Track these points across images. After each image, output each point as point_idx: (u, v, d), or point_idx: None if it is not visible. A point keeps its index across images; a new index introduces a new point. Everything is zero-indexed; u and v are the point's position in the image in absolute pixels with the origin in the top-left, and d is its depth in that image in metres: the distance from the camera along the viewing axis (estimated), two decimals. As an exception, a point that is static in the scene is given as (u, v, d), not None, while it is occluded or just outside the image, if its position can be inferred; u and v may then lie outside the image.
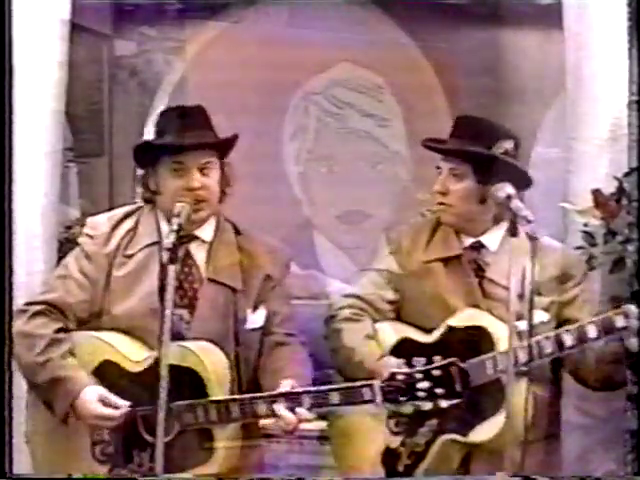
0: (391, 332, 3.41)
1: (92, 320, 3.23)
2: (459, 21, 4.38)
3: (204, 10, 4.47)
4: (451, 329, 3.33)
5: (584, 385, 3.44)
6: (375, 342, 3.38)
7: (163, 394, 2.89)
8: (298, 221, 4.57)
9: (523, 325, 3.09)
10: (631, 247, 3.50)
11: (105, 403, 3.07)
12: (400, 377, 2.98)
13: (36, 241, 3.83)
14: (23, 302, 3.31)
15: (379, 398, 3.02)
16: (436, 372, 2.96)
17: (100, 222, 3.32)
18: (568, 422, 3.58)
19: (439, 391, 2.94)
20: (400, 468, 3.34)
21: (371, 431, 3.38)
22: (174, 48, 4.53)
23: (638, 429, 3.44)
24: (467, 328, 3.31)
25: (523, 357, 3.14)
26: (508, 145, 3.39)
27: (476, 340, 3.29)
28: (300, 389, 3.08)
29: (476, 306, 3.35)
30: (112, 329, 3.21)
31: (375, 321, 3.43)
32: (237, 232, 3.35)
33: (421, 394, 2.95)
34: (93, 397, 3.07)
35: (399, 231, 3.55)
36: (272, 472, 3.61)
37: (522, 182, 3.39)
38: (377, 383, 3.04)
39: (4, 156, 3.61)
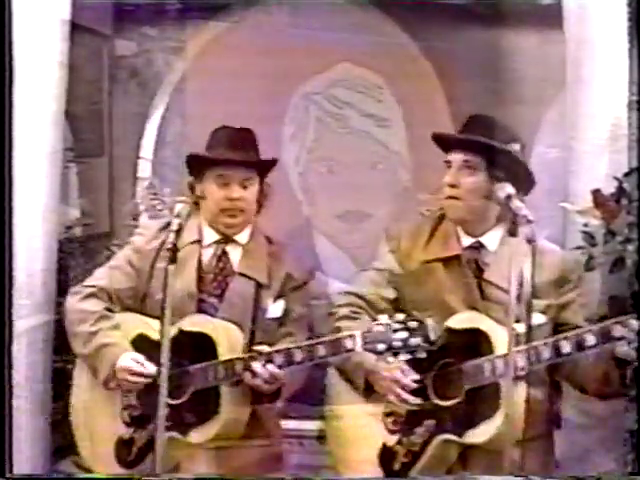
0: None
1: (136, 308, 3.57)
2: (459, 21, 4.38)
3: (205, 10, 4.48)
4: (450, 331, 3.34)
5: (581, 392, 3.44)
6: None
7: (163, 399, 3.13)
8: (298, 221, 4.58)
9: (521, 328, 3.11)
10: (631, 247, 3.50)
11: (138, 364, 3.44)
12: (379, 328, 3.19)
13: (36, 241, 3.83)
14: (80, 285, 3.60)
15: (359, 347, 3.23)
16: (412, 324, 3.18)
17: (151, 224, 3.77)
18: (568, 422, 3.58)
19: (414, 341, 3.17)
20: (397, 466, 3.37)
21: (367, 431, 3.39)
22: (174, 48, 4.53)
23: (638, 429, 3.44)
24: (466, 330, 3.32)
25: (521, 362, 3.17)
26: (516, 147, 3.42)
27: (474, 342, 3.31)
28: (283, 347, 3.38)
29: (474, 308, 3.36)
30: (152, 316, 3.49)
31: (374, 320, 3.44)
32: (270, 242, 3.65)
33: (398, 344, 3.18)
34: (129, 360, 3.45)
35: (399, 230, 3.56)
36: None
37: (527, 184, 3.41)
38: (358, 333, 3.24)
39: (4, 156, 3.61)
